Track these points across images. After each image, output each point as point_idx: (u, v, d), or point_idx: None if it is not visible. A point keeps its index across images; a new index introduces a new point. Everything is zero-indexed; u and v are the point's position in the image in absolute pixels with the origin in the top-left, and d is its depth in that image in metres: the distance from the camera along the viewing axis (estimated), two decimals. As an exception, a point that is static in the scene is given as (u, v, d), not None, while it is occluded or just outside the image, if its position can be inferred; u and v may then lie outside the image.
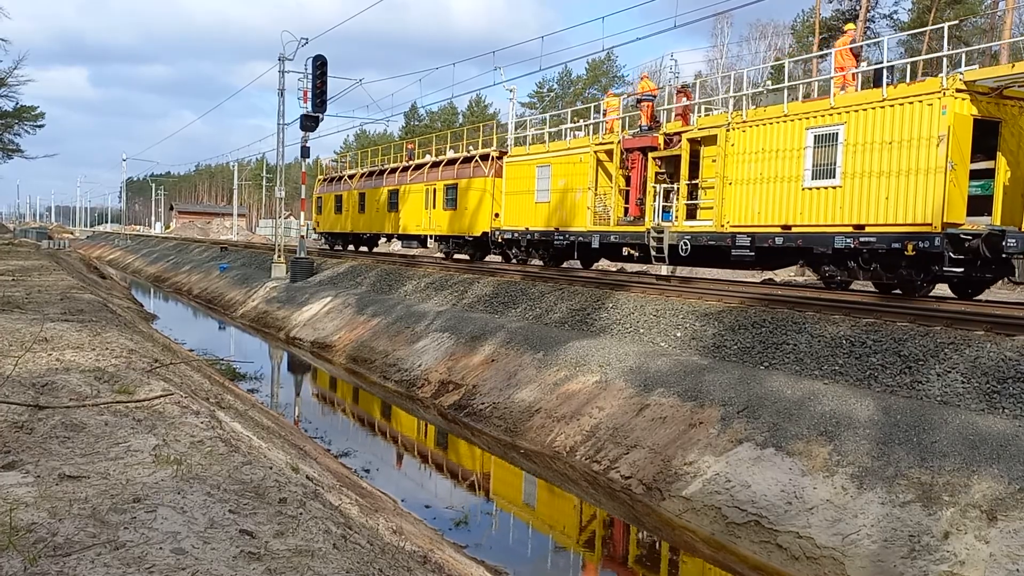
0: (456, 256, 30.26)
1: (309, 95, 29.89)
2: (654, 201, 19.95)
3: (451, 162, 30.02)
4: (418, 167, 32.57)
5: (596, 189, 22.20)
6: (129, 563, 3.13)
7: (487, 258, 30.02)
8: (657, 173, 20.13)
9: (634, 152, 21.04)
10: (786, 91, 17.39)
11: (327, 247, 43.01)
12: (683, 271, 25.60)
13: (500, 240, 26.68)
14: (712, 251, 18.38)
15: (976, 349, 9.88)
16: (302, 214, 37.27)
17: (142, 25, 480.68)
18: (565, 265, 25.57)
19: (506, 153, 26.94)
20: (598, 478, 10.99)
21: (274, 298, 28.50)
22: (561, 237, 23.34)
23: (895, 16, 52.92)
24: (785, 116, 16.44)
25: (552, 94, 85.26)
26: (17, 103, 52.91)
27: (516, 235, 25.68)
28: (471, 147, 31.02)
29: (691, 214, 19.28)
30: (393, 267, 27.20)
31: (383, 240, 40.04)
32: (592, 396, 12.69)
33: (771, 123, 16.75)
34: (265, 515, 3.92)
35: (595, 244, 22.02)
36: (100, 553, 3.19)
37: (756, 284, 19.93)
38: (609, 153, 21.82)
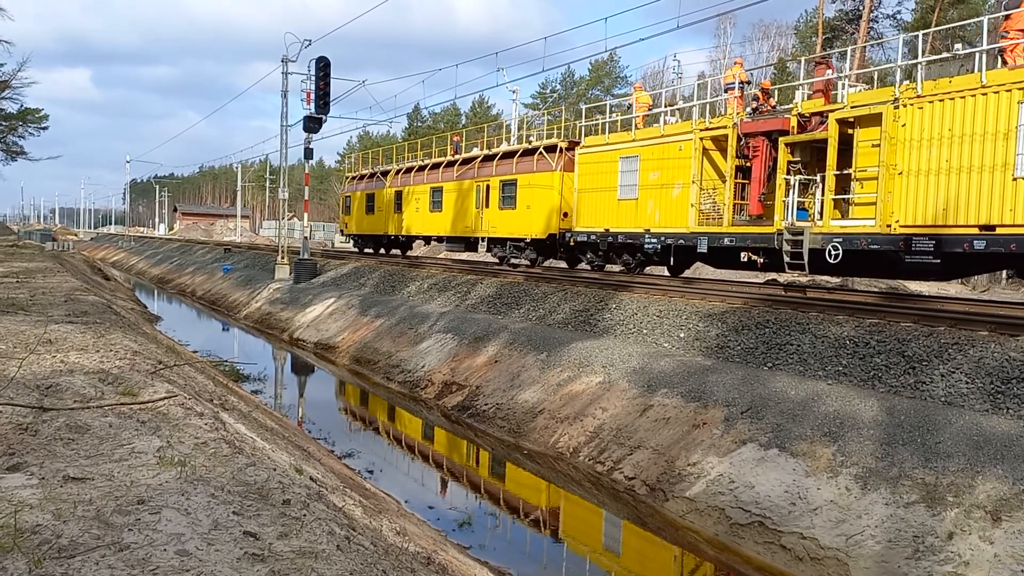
0: (513, 261, 26.75)
1: (312, 97, 29.92)
2: (786, 196, 16.46)
3: (508, 155, 26.96)
4: (466, 161, 29.35)
5: (701, 183, 18.86)
6: (133, 565, 3.14)
7: (548, 262, 26.67)
8: (789, 162, 16.67)
9: (756, 138, 17.73)
10: (982, 57, 13.46)
11: (356, 250, 39.55)
12: (688, 272, 23.72)
13: (572, 243, 23.34)
14: (873, 257, 15.05)
15: (980, 349, 9.86)
16: (305, 215, 37.30)
17: (146, 25, 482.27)
18: (648, 270, 22.88)
19: (578, 143, 23.68)
20: (601, 479, 10.98)
21: (277, 299, 28.53)
22: (654, 240, 20.00)
23: (899, 16, 52.86)
24: (984, 87, 13.01)
25: (555, 95, 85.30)
26: (21, 105, 53.14)
27: (594, 237, 22.23)
28: (530, 138, 27.77)
29: (840, 212, 15.95)
30: (396, 268, 27.21)
31: (419, 243, 36.18)
32: (596, 397, 12.69)
33: (963, 96, 13.32)
34: (269, 517, 3.92)
35: (702, 248, 18.48)
36: (104, 555, 3.19)
37: (759, 285, 19.87)
38: (720, 140, 18.72)
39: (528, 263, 25.79)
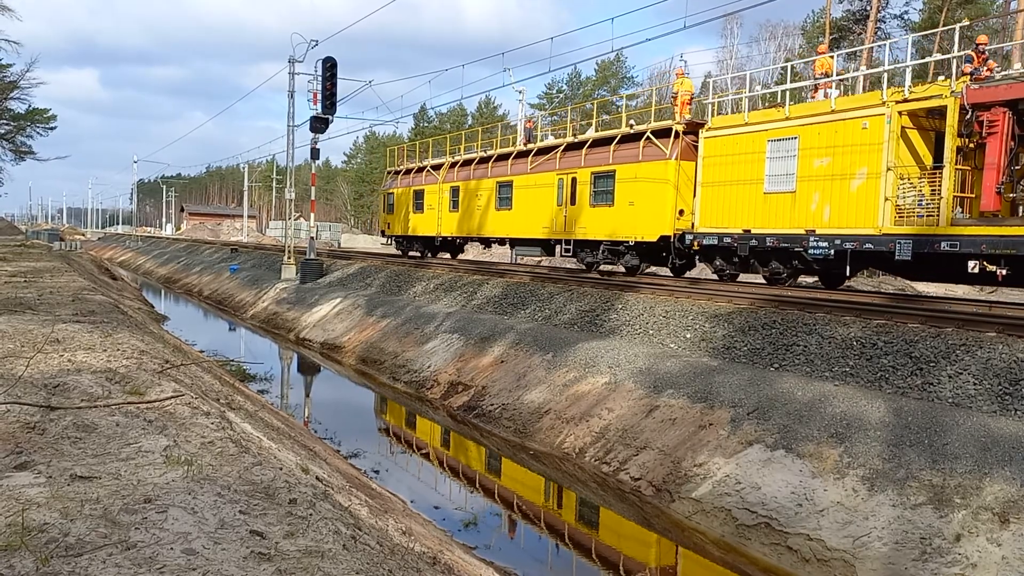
0: (604, 268, 23.08)
1: (319, 97, 29.96)
2: None
3: (602, 142, 22.65)
4: (543, 151, 25.25)
5: (898, 170, 15.09)
6: (140, 563, 3.14)
7: (651, 269, 23.32)
8: None
9: (992, 110, 13.92)
10: None
11: (399, 254, 34.84)
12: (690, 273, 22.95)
13: (696, 247, 19.28)
14: None
15: (988, 351, 9.82)
16: (312, 215, 37.32)
17: (153, 26, 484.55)
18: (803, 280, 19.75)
19: (702, 125, 19.53)
20: (607, 479, 10.97)
21: (284, 299, 28.58)
22: (822, 243, 16.06)
23: (906, 16, 52.73)
24: None
25: (561, 95, 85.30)
26: (29, 105, 53.29)
27: (727, 240, 18.33)
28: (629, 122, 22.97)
29: None
30: (403, 268, 27.22)
31: (476, 244, 32.23)
32: (602, 397, 12.68)
33: None
34: (275, 516, 3.93)
35: (902, 254, 14.56)
36: (111, 553, 3.20)
37: (765, 285, 19.75)
38: (928, 115, 15.16)
39: (626, 270, 22.13)
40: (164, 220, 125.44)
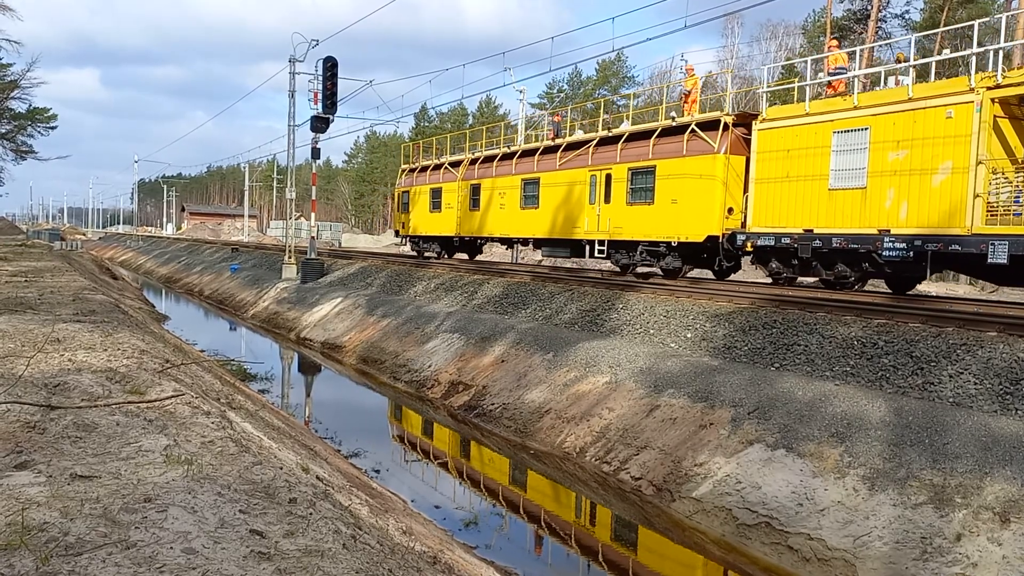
0: (641, 270, 22.04)
1: (319, 97, 29.98)
2: None
3: (640, 136, 21.29)
4: (573, 146, 23.93)
5: (990, 163, 13.78)
6: (140, 563, 3.14)
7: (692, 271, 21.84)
8: None
9: None
10: None
11: (415, 255, 33.54)
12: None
13: (749, 248, 18.01)
14: None
15: (989, 350, 9.82)
16: (312, 215, 37.32)
17: (154, 26, 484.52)
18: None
19: (754, 117, 18.29)
20: (608, 479, 10.97)
21: (285, 299, 28.60)
22: (899, 244, 14.70)
23: (907, 16, 52.72)
24: None
25: (562, 95, 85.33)
26: (30, 105, 53.38)
27: (786, 240, 16.98)
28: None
29: None
30: (403, 268, 27.22)
31: (494, 245, 31.08)
32: (602, 397, 12.67)
33: None
34: (275, 515, 3.93)
35: (997, 257, 13.14)
36: (111, 553, 3.20)
37: (766, 285, 19.72)
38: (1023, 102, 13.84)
39: (664, 273, 20.79)
40: (165, 220, 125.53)
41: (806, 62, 19.87)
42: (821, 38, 54.43)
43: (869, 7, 49.80)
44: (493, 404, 14.28)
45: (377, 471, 11.65)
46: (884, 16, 51.70)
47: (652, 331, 14.52)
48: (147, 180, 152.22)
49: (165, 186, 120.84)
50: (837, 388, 10.37)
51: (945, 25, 41.20)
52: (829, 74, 17.94)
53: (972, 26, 15.63)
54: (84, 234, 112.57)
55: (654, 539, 9.68)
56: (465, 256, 31.96)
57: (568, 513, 10.81)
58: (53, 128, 58.21)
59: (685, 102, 21.54)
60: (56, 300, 12.12)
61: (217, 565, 3.22)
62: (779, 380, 11.03)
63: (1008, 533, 7.19)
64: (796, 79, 18.94)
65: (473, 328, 17.65)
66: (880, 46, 31.70)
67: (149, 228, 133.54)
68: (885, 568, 7.57)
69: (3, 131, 54.11)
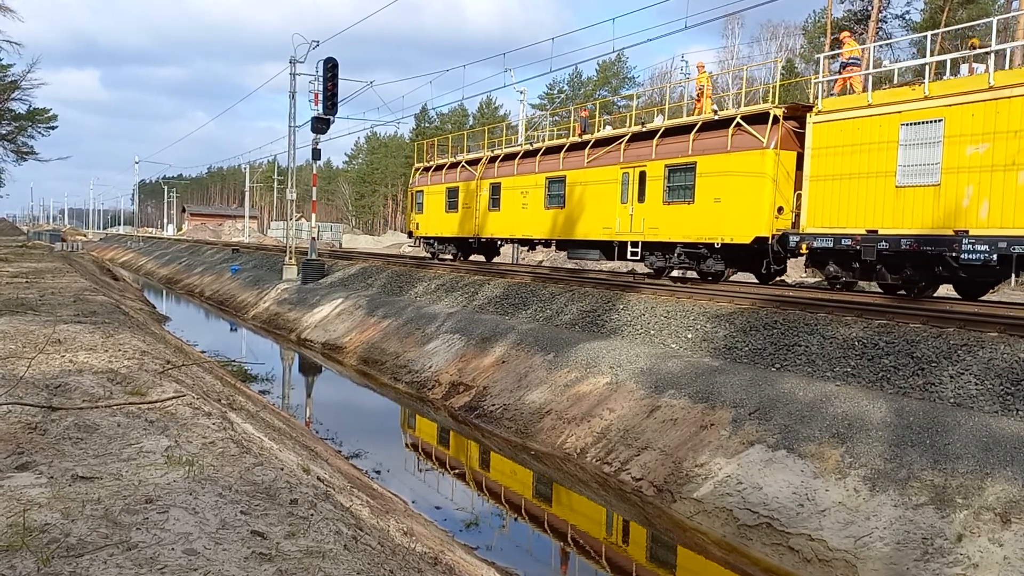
0: (675, 274, 20.89)
1: (320, 97, 30.00)
2: None
3: (678, 130, 20.06)
4: (602, 142, 22.55)
5: None
6: (141, 564, 3.14)
7: (730, 276, 20.36)
8: None
9: None
10: None
11: (429, 256, 32.58)
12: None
13: (804, 250, 16.51)
14: None
15: (990, 351, 9.81)
16: (313, 216, 37.32)
17: (154, 26, 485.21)
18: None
19: (808, 109, 16.89)
20: (609, 480, 10.96)
21: (285, 300, 28.60)
22: (981, 246, 13.31)
23: (907, 16, 52.72)
24: None
25: (562, 95, 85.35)
26: (30, 105, 53.40)
27: (847, 243, 15.54)
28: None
29: None
30: (404, 269, 27.22)
31: (520, 248, 29.62)
32: (603, 398, 12.67)
33: None
34: (276, 516, 3.93)
35: None
36: (112, 554, 3.20)
37: (767, 285, 19.68)
38: None
39: (701, 276, 19.50)
40: (165, 221, 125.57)
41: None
42: (821, 39, 54.47)
43: (869, 7, 49.81)
44: (494, 405, 14.27)
45: (378, 472, 11.65)
46: (884, 16, 51.75)
47: (653, 332, 14.52)
48: (148, 181, 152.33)
49: (166, 187, 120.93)
50: (838, 389, 10.36)
51: (946, 25, 41.17)
52: (842, 64, 17.44)
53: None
54: (85, 235, 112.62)
55: (655, 540, 9.68)
56: (482, 258, 30.94)
57: (569, 514, 10.80)
58: (53, 129, 58.27)
59: (697, 100, 21.34)
60: (57, 301, 12.12)
61: (218, 566, 3.22)
62: (780, 381, 11.03)
63: (1009, 534, 7.19)
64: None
65: (474, 329, 17.64)
66: (880, 46, 31.68)
67: (150, 229, 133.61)
68: (886, 569, 7.57)
69: (4, 132, 54.14)
